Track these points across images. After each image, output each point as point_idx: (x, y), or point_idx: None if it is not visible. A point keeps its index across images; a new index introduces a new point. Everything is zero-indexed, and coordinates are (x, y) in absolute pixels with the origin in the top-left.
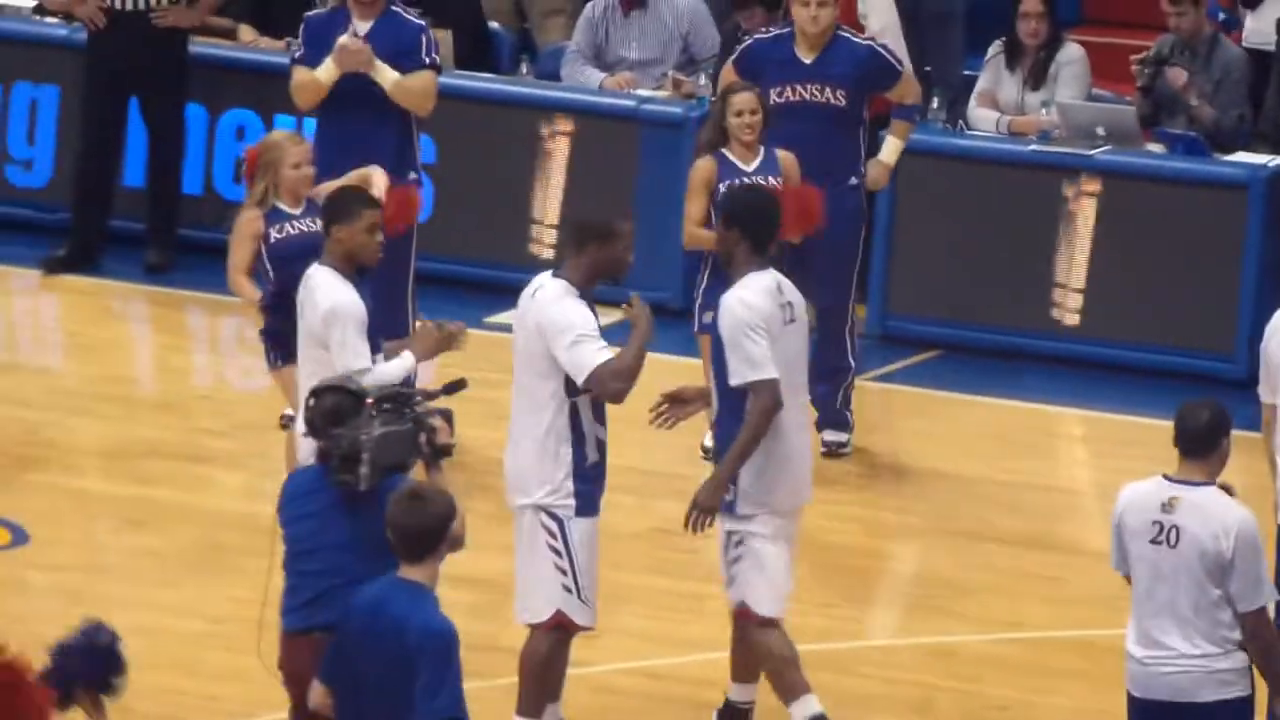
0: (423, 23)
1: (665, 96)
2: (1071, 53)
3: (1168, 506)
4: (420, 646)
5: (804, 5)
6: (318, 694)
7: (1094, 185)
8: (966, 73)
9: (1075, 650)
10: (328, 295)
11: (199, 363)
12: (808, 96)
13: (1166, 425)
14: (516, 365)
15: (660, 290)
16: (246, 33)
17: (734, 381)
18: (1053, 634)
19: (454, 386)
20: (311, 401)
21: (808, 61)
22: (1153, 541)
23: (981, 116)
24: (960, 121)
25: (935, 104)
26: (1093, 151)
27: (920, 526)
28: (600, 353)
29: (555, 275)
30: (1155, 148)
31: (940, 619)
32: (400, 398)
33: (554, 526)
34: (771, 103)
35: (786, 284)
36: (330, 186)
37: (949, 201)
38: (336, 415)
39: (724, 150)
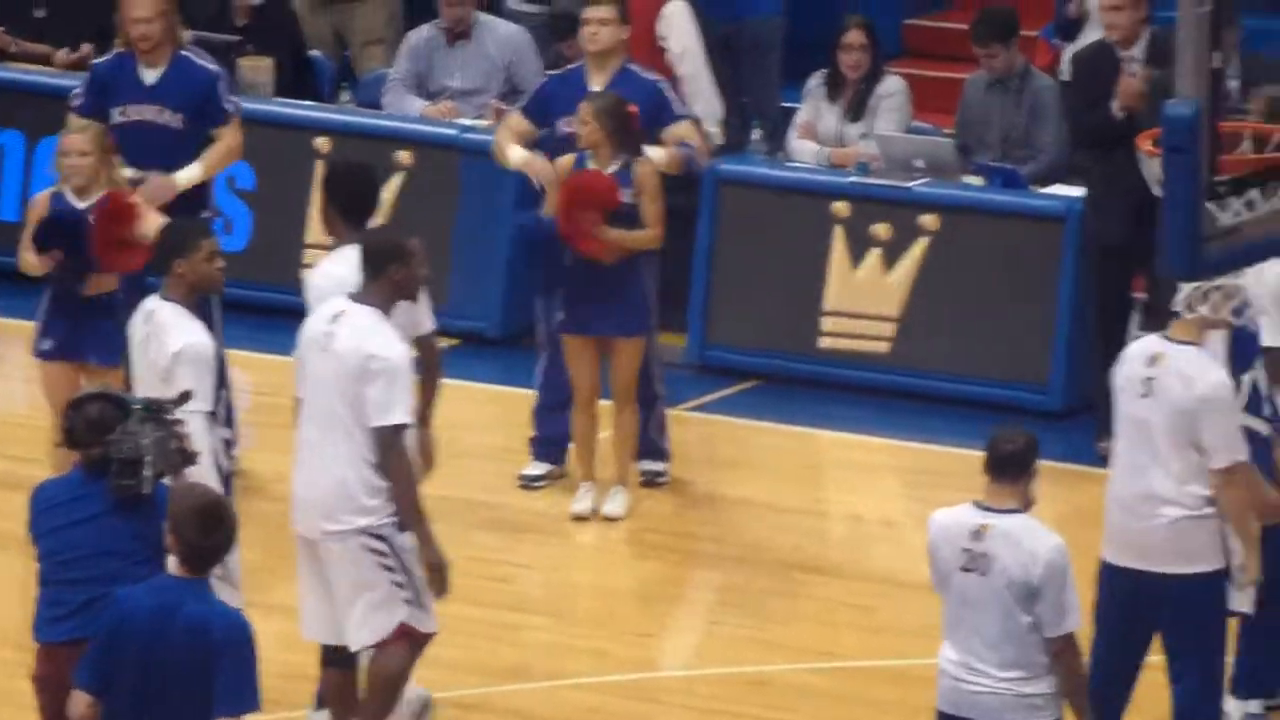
0: (215, 68)
1: (487, 125)
2: (891, 85)
3: (978, 534)
4: (225, 642)
5: (584, 23)
6: (82, 704)
7: (911, 217)
8: (784, 104)
9: (889, 680)
10: (179, 336)
11: (11, 390)
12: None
13: (980, 456)
14: (317, 391)
15: (479, 320)
16: None
17: None
18: (866, 663)
19: (184, 398)
20: (72, 411)
21: (597, 89)
22: (964, 569)
23: (802, 148)
24: (780, 152)
25: (756, 135)
26: (911, 184)
27: (734, 556)
28: (405, 412)
29: (357, 300)
30: (973, 180)
31: (754, 649)
32: (158, 406)
33: (381, 545)
34: (560, 133)
35: None
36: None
37: (768, 232)
38: (103, 424)
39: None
